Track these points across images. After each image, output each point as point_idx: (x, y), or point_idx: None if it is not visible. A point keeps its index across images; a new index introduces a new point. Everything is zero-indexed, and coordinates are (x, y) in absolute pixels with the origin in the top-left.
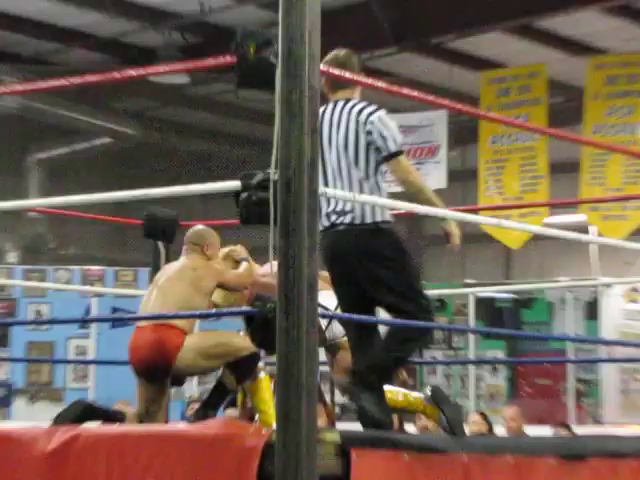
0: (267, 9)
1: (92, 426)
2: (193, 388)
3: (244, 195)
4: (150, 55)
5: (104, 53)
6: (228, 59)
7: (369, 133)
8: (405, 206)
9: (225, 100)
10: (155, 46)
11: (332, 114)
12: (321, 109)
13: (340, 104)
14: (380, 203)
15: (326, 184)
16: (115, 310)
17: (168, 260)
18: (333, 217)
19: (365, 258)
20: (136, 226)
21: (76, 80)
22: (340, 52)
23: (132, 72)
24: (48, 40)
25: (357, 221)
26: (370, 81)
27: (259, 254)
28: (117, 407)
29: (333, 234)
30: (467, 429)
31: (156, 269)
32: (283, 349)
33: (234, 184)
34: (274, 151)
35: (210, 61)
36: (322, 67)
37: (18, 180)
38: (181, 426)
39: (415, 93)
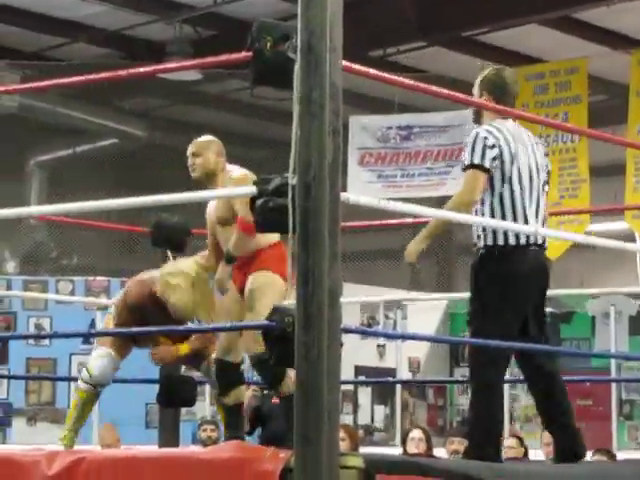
0: (285, 0)
1: (97, 450)
2: (205, 409)
3: (260, 201)
4: (159, 49)
5: (110, 47)
6: (243, 55)
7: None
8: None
9: (239, 98)
10: (164, 40)
11: (525, 135)
12: (502, 124)
13: (516, 124)
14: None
15: (530, 203)
16: None
17: None
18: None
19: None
20: (144, 234)
21: (79, 78)
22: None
23: (140, 69)
24: (49, 34)
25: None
26: (397, 78)
27: None
28: (103, 432)
29: (543, 253)
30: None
31: None
32: (302, 366)
33: (250, 189)
34: (293, 153)
35: (224, 57)
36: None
37: (18, 184)
38: (193, 449)
39: (445, 91)
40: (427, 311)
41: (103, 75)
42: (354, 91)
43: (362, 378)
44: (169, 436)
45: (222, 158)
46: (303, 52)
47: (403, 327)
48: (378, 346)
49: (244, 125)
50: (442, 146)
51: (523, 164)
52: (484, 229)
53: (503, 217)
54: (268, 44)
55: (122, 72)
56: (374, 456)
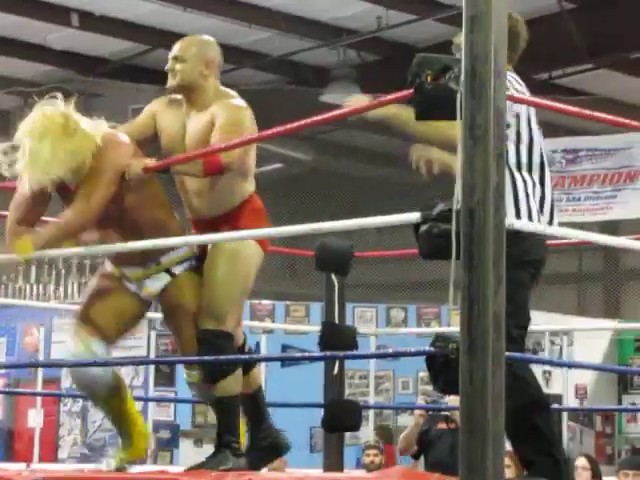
0: (448, 23)
1: (263, 472)
2: (369, 433)
3: (424, 227)
4: (323, 74)
5: (274, 73)
6: (406, 92)
7: None
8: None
9: None
10: (329, 64)
11: None
12: None
13: None
14: None
15: None
16: (285, 348)
17: (342, 294)
18: None
19: None
20: (307, 257)
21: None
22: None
23: (334, 113)
24: None
25: None
26: (557, 105)
27: (436, 288)
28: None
29: None
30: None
31: (329, 304)
32: (467, 392)
33: (413, 216)
34: (457, 178)
35: (388, 98)
36: None
37: None
38: (359, 474)
39: (609, 117)
40: (594, 337)
41: (301, 123)
42: None
43: None
44: (333, 460)
45: None
46: (467, 77)
47: (569, 353)
48: (544, 372)
49: (407, 150)
50: (608, 169)
51: None
52: None
53: None
54: (429, 78)
55: (307, 121)
56: None
